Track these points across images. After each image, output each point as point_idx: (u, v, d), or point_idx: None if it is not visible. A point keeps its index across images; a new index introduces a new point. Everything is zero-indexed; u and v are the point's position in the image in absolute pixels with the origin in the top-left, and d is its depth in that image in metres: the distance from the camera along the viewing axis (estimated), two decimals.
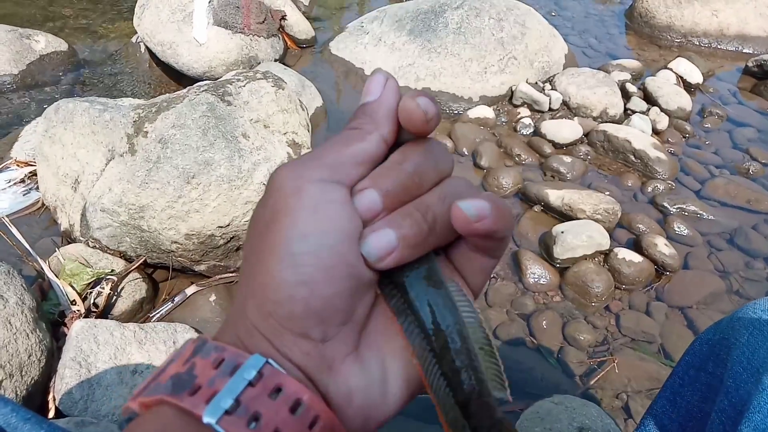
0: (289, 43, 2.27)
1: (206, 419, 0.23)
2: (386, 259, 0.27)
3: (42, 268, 1.19)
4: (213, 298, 1.24)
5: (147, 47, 2.04)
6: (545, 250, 1.42)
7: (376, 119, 0.28)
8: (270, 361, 0.25)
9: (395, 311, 0.28)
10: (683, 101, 2.02)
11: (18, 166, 1.51)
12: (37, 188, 1.42)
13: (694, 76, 2.21)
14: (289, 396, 0.24)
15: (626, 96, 2.03)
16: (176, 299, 1.22)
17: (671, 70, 2.22)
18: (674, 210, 1.59)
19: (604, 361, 1.18)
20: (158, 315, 1.20)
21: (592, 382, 1.14)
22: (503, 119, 1.97)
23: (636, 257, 1.37)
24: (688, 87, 2.18)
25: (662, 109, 1.99)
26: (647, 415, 0.63)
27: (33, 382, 0.97)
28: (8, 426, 0.47)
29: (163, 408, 0.25)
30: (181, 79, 1.97)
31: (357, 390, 0.26)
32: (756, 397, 0.46)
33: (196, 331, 1.14)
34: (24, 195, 1.46)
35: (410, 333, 0.27)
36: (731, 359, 0.52)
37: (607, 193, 1.62)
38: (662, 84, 2.07)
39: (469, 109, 1.95)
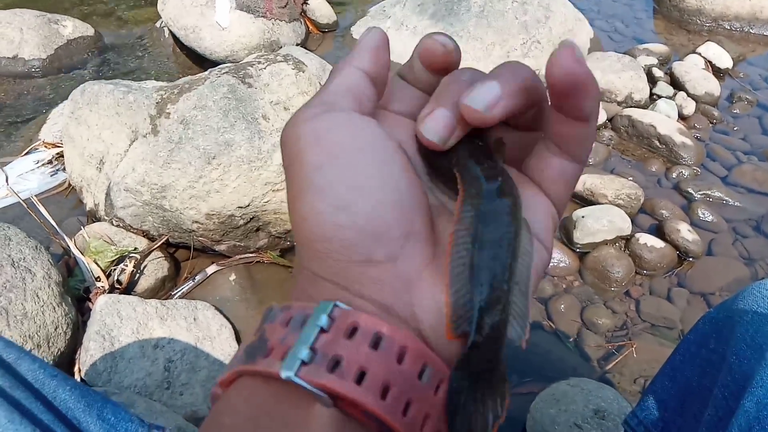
0: (310, 27, 2.27)
1: (284, 374, 0.22)
2: (495, 107, 0.25)
3: (68, 246, 1.22)
4: (233, 277, 1.26)
5: (170, 32, 2.06)
6: (565, 234, 1.41)
7: (351, 56, 0.29)
8: (338, 303, 0.23)
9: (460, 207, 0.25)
10: (711, 86, 1.97)
11: (46, 147, 1.55)
12: (64, 169, 1.46)
13: (724, 60, 2.15)
14: (367, 332, 0.23)
15: (652, 81, 1.99)
16: (197, 278, 1.25)
17: (700, 54, 2.16)
18: (699, 196, 1.56)
19: (623, 346, 1.17)
20: (179, 293, 1.22)
21: (609, 366, 1.13)
22: None
23: (658, 243, 1.35)
24: (717, 72, 2.13)
25: (689, 94, 1.94)
26: (647, 392, 0.63)
27: (59, 353, 1.00)
28: (36, 381, 0.49)
29: (242, 380, 0.24)
30: (203, 62, 1.99)
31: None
32: (759, 372, 0.46)
33: (216, 309, 1.16)
34: (51, 176, 1.49)
35: (456, 238, 0.24)
36: (734, 336, 0.52)
37: (630, 178, 1.59)
38: (690, 69, 2.02)
39: None
